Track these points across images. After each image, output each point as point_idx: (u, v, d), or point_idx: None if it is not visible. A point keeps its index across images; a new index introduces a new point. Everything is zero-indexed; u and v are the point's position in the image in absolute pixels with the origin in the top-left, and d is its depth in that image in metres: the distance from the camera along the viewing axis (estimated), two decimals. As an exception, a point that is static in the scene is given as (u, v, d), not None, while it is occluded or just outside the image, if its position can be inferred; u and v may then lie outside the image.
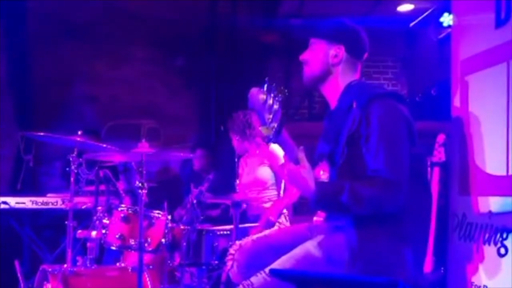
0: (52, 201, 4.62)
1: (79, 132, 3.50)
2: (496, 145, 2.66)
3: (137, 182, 3.24)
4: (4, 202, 4.52)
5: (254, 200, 4.08)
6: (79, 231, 3.73)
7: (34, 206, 4.59)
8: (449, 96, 3.08)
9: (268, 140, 2.25)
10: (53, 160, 5.81)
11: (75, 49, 6.21)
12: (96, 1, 6.20)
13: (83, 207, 4.39)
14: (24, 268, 4.10)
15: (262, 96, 2.20)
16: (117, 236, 3.47)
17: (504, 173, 2.59)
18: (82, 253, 3.71)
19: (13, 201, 4.55)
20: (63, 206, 4.50)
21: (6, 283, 4.40)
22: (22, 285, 3.64)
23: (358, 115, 2.18)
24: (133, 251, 3.58)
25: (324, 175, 2.26)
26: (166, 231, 3.52)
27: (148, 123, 6.18)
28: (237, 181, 4.26)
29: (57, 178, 5.73)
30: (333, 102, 2.38)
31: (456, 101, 3.01)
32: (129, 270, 3.50)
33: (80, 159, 3.48)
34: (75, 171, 3.47)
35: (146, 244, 3.38)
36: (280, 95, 2.18)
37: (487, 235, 2.68)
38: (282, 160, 2.55)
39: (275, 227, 3.83)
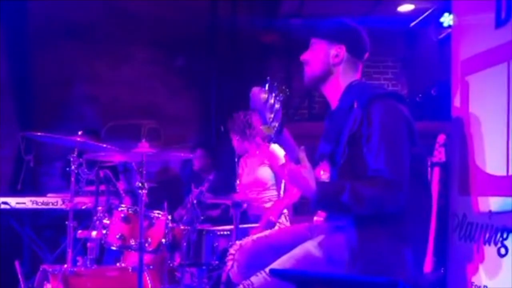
0: (53, 201, 4.62)
1: (80, 132, 3.51)
2: (496, 145, 2.65)
3: (137, 182, 3.24)
4: (5, 202, 4.52)
5: (254, 201, 4.09)
6: (80, 231, 3.73)
7: (35, 206, 4.59)
8: (449, 96, 3.08)
9: (269, 140, 2.25)
10: (53, 160, 5.80)
11: (75, 49, 6.21)
12: (96, 1, 6.19)
13: (83, 207, 4.39)
14: (24, 268, 4.10)
15: (264, 95, 2.20)
16: (117, 236, 3.47)
17: (504, 173, 2.59)
18: (83, 253, 3.71)
19: (13, 201, 4.56)
20: (63, 206, 4.51)
21: (6, 283, 4.40)
22: (22, 285, 3.64)
23: (359, 115, 2.18)
24: (133, 251, 3.58)
25: (325, 175, 2.26)
26: (166, 231, 3.52)
27: (148, 123, 6.18)
28: (237, 181, 4.26)
29: (58, 178, 5.73)
30: (334, 102, 2.38)
31: (456, 101, 3.01)
32: (130, 270, 3.50)
33: (80, 159, 3.48)
34: (75, 171, 3.47)
35: (146, 244, 3.38)
36: (281, 94, 2.17)
37: (487, 235, 2.67)
38: (282, 160, 2.54)
39: (276, 227, 3.83)
